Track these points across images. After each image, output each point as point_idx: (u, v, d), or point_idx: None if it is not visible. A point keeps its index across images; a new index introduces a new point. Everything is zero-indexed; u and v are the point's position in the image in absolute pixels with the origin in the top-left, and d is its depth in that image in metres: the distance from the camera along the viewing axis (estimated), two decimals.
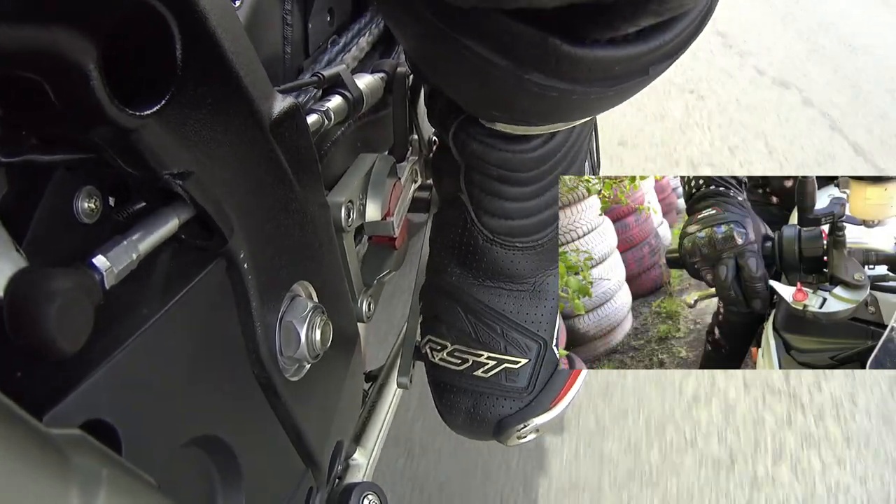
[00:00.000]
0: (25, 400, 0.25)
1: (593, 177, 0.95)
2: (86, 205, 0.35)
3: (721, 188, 0.85)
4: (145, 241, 0.36)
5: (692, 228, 0.83)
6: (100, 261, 0.34)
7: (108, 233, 0.36)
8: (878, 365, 0.71)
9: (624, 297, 1.19)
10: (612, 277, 1.16)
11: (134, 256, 0.35)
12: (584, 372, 0.74)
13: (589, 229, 1.14)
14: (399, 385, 0.84)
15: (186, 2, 0.35)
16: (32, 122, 0.33)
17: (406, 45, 0.56)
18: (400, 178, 0.81)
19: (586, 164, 0.71)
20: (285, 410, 0.51)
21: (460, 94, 0.57)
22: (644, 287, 1.30)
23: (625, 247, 1.26)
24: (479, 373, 0.69)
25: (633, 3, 0.39)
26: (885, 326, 0.71)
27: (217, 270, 0.43)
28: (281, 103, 0.48)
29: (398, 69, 0.77)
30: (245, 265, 0.44)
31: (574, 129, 0.63)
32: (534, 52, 0.42)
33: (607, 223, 1.18)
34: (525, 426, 0.69)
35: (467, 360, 0.69)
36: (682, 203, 1.33)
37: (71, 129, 0.33)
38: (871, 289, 0.72)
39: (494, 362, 0.68)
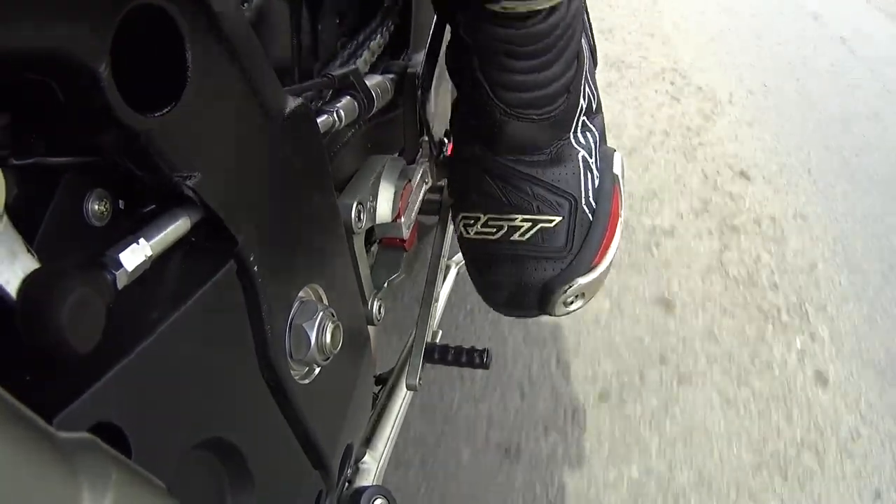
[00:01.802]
0: (35, 403, 0.25)
1: None
2: (96, 207, 0.35)
3: None
4: (157, 242, 0.36)
5: None
6: (112, 261, 0.34)
7: (119, 235, 0.36)
8: None
9: None
10: None
11: (146, 257, 0.35)
12: (620, 223, 0.74)
13: None
14: (408, 387, 0.83)
15: (196, 4, 0.35)
16: (43, 125, 0.33)
17: None
18: (410, 180, 0.81)
19: (584, 43, 0.74)
20: (295, 413, 0.51)
21: None
22: None
23: None
24: (515, 237, 0.71)
25: None
26: None
27: (227, 273, 0.43)
28: (291, 104, 0.47)
29: (408, 70, 0.77)
30: (255, 268, 0.44)
31: (570, 8, 0.67)
32: None
33: None
34: (570, 287, 0.70)
35: (502, 227, 0.71)
36: None
37: (81, 132, 0.33)
38: None
39: (529, 223, 0.70)
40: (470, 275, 0.79)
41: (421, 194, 0.88)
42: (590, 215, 0.72)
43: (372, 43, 0.72)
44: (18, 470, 0.23)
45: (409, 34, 0.76)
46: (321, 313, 0.51)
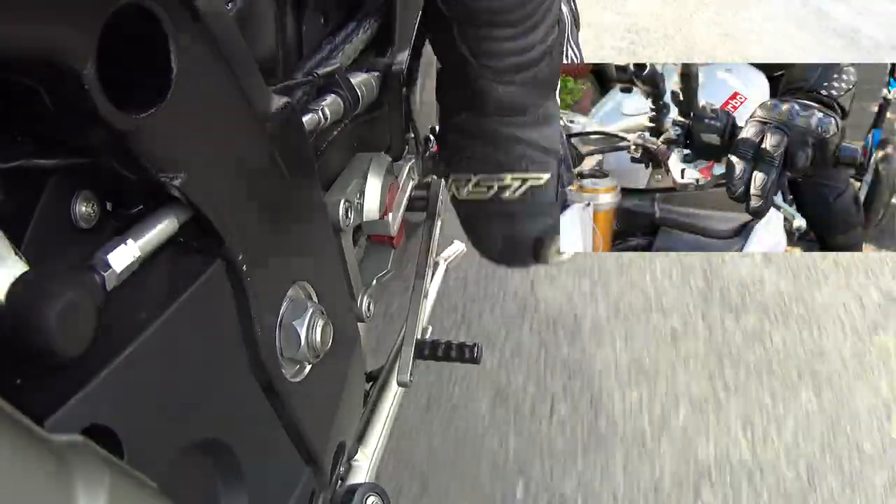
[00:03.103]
0: (27, 406, 0.25)
1: None
2: (83, 209, 0.35)
3: None
4: (146, 242, 0.36)
5: None
6: (101, 262, 0.34)
7: (106, 237, 0.36)
8: None
9: None
10: None
11: (134, 257, 0.35)
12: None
13: None
14: (399, 383, 0.84)
15: (181, 4, 0.35)
16: (28, 127, 0.32)
17: None
18: (397, 177, 0.81)
19: (565, 7, 0.76)
20: (287, 412, 0.51)
21: None
22: None
23: None
24: (507, 195, 0.73)
25: None
26: None
27: (216, 273, 0.42)
28: (276, 103, 0.47)
29: (393, 68, 0.77)
30: (244, 267, 0.44)
31: None
32: None
33: None
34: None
35: (493, 186, 0.73)
36: None
37: (67, 133, 0.32)
38: None
39: (519, 182, 0.72)
40: (465, 231, 0.81)
41: (408, 191, 0.88)
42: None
43: (356, 39, 0.72)
44: (12, 474, 0.22)
45: (394, 32, 0.76)
46: (311, 311, 0.51)
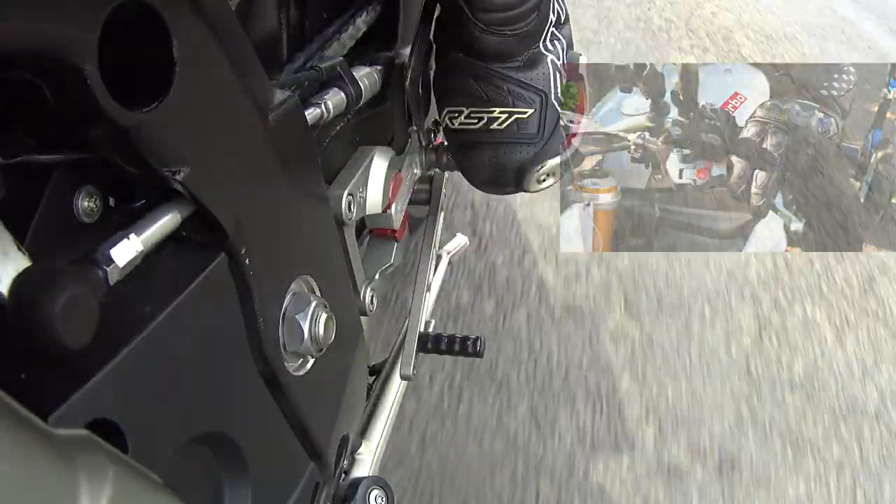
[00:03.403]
0: (31, 401, 0.25)
1: None
2: (86, 204, 0.35)
3: None
4: (148, 237, 0.36)
5: None
6: (104, 257, 0.34)
7: (109, 232, 0.36)
8: None
9: None
10: None
11: (137, 252, 0.35)
12: (585, 119, 0.89)
13: None
14: (402, 377, 0.84)
15: None
16: (30, 123, 0.32)
17: None
18: (400, 170, 0.81)
19: None
20: (290, 405, 0.51)
21: None
22: None
23: None
24: (494, 126, 0.82)
25: None
26: None
27: (219, 267, 0.42)
28: (278, 97, 0.47)
29: (396, 61, 0.76)
30: (247, 261, 0.44)
31: None
32: None
33: None
34: (542, 167, 0.84)
35: (482, 118, 0.83)
36: None
37: (69, 128, 0.32)
38: None
39: (506, 115, 0.82)
40: (455, 161, 0.91)
41: (411, 184, 0.88)
42: (558, 108, 0.84)
43: (359, 32, 0.72)
44: (16, 468, 0.23)
45: (397, 25, 0.76)
46: (314, 304, 0.51)
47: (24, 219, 0.32)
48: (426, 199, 0.99)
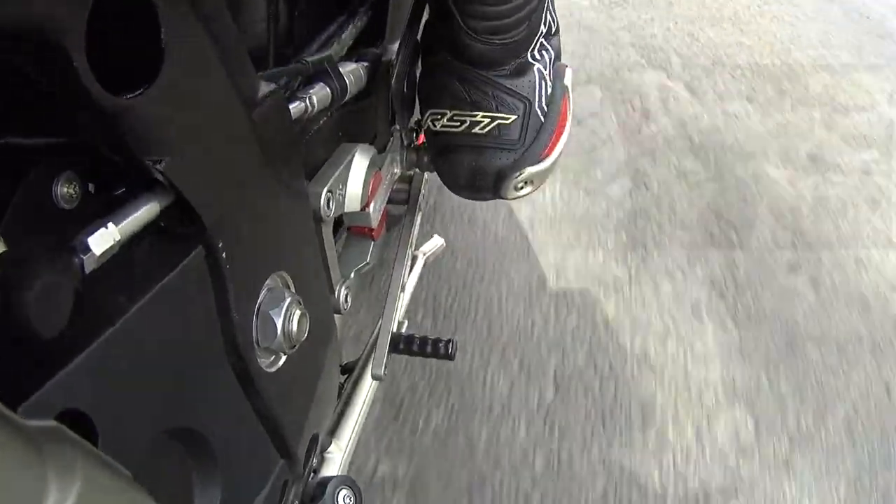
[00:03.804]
0: (1, 390, 0.24)
1: None
2: (65, 190, 0.34)
3: None
4: (126, 225, 0.36)
5: None
6: (80, 244, 0.33)
7: (88, 218, 0.35)
8: None
9: None
10: None
11: (114, 241, 0.35)
12: (568, 126, 0.87)
13: None
14: (374, 377, 0.83)
15: None
16: (13, 105, 0.32)
17: None
18: (380, 169, 0.81)
19: None
20: (262, 401, 0.51)
21: None
22: None
23: None
24: (476, 130, 0.82)
25: None
26: None
27: (196, 260, 0.42)
28: (263, 90, 0.47)
29: (382, 58, 0.76)
30: (224, 254, 0.43)
31: None
32: None
33: None
34: (521, 174, 0.83)
35: (465, 121, 0.83)
36: None
37: (52, 112, 0.32)
38: None
39: (488, 119, 0.82)
40: (434, 163, 0.90)
41: (390, 183, 0.88)
42: (541, 117, 0.84)
43: (348, 27, 0.71)
44: None
45: (386, 23, 0.76)
46: (288, 301, 0.51)
47: (1, 203, 0.32)
48: (405, 198, 0.99)
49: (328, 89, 0.62)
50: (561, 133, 0.86)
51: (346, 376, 0.87)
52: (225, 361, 0.47)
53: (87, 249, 0.33)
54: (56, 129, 0.33)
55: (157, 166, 0.36)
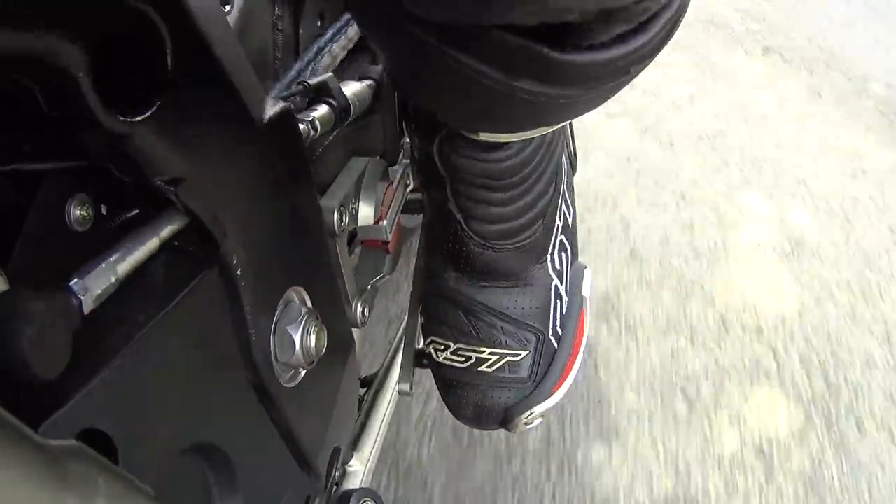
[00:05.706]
0: (21, 410, 0.25)
1: None
2: (78, 212, 0.35)
3: None
4: (125, 263, 0.36)
5: None
6: (78, 285, 0.33)
7: (102, 240, 0.35)
8: None
9: None
10: None
11: (113, 279, 0.34)
12: (582, 347, 0.77)
13: None
14: (400, 392, 0.83)
15: (176, 7, 0.35)
16: (22, 129, 0.32)
17: (388, 60, 0.56)
18: (392, 182, 0.81)
19: (564, 158, 0.73)
20: (281, 417, 0.51)
21: (445, 108, 0.57)
22: None
23: None
24: (483, 368, 0.72)
25: (601, 15, 0.39)
26: None
27: (210, 277, 0.42)
28: (272, 108, 0.47)
29: (387, 76, 0.76)
30: (238, 271, 0.44)
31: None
32: (522, 60, 0.42)
33: None
34: (530, 413, 0.72)
35: (471, 358, 0.72)
36: None
37: (62, 136, 0.32)
38: None
39: (497, 357, 0.72)
40: (439, 391, 0.80)
41: (403, 196, 0.88)
42: (555, 343, 0.74)
43: (351, 44, 0.72)
44: (4, 479, 0.22)
45: None
46: (305, 316, 0.51)
47: (14, 226, 0.32)
48: (419, 209, 0.99)
49: (331, 110, 0.62)
50: (576, 357, 0.76)
51: (365, 389, 0.87)
52: (243, 378, 0.47)
53: (86, 288, 0.33)
54: (67, 153, 0.33)
55: (169, 187, 0.37)
